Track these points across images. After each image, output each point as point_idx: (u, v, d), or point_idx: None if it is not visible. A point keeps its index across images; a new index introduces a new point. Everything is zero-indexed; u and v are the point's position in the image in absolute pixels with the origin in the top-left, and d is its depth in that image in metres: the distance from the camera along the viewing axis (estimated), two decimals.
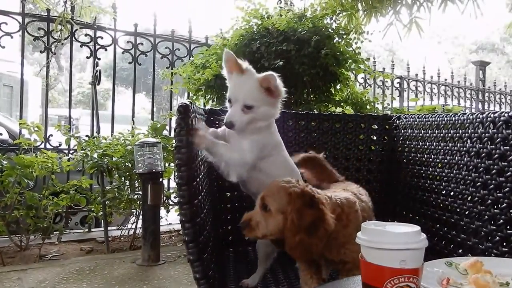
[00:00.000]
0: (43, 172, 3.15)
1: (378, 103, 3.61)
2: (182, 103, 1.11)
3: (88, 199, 3.47)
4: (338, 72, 3.28)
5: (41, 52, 3.60)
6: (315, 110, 3.45)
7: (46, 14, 3.55)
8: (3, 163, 3.07)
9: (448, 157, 1.50)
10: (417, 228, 0.63)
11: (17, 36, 3.50)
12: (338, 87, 3.51)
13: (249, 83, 1.26)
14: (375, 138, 1.92)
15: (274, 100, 1.30)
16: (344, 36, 3.43)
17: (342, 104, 3.48)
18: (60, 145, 3.64)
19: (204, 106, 3.86)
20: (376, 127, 1.93)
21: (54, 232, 3.25)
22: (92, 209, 3.52)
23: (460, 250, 1.38)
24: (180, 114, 1.07)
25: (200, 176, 1.24)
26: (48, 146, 3.59)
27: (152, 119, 4.07)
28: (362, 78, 5.26)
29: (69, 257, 3.14)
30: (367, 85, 5.31)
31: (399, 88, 5.74)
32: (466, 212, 1.39)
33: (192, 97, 3.62)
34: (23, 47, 3.53)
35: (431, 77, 6.24)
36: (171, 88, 3.94)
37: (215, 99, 3.54)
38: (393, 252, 0.59)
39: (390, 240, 0.60)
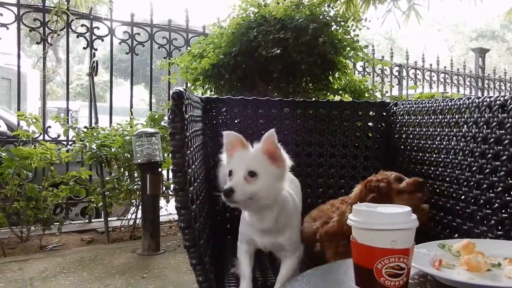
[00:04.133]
0: (42, 163, 3.15)
1: (376, 91, 3.60)
2: (176, 89, 1.10)
3: (88, 190, 3.48)
4: (336, 60, 3.27)
5: (37, 43, 3.58)
6: (313, 98, 3.46)
7: (42, 4, 3.53)
8: (2, 155, 3.07)
9: (444, 142, 1.50)
10: (407, 208, 0.63)
11: (14, 29, 3.48)
12: (336, 75, 3.49)
13: (252, 151, 1.17)
14: (372, 125, 1.92)
15: (278, 170, 1.16)
16: (342, 24, 3.40)
17: (340, 92, 3.48)
18: (58, 136, 3.64)
19: (202, 95, 3.87)
20: (373, 114, 1.93)
21: (55, 223, 3.27)
22: (92, 200, 3.54)
23: (456, 235, 1.39)
24: (174, 100, 1.06)
25: (196, 163, 1.25)
26: (46, 137, 3.59)
27: (151, 109, 4.06)
28: (361, 66, 5.24)
29: (70, 247, 3.16)
30: (366, 73, 5.29)
31: (398, 76, 5.72)
32: (462, 197, 1.39)
33: (190, 87, 3.61)
34: (19, 39, 3.51)
35: (430, 65, 6.21)
36: (169, 79, 3.93)
37: (213, 89, 3.53)
38: (383, 233, 0.59)
39: (381, 221, 0.60)
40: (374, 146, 1.91)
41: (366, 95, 3.42)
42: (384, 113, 1.91)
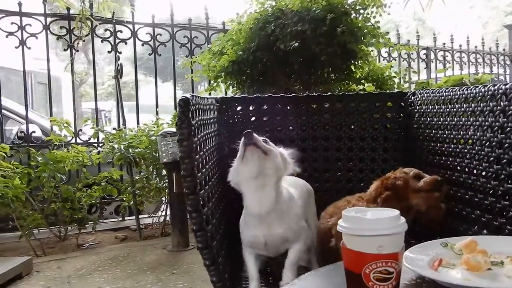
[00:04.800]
0: (74, 166, 3.29)
1: (400, 78, 3.52)
2: (182, 96, 1.13)
3: (119, 189, 3.60)
4: (357, 49, 3.21)
5: (64, 50, 3.72)
6: (336, 89, 3.43)
7: (67, 13, 3.65)
8: (38, 160, 3.24)
9: (461, 132, 1.45)
10: (396, 213, 0.63)
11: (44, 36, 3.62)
12: (358, 64, 3.44)
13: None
14: (390, 116, 1.89)
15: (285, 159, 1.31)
16: (362, 11, 3.34)
17: (362, 81, 3.43)
18: (89, 139, 3.78)
19: (225, 92, 3.90)
20: (391, 104, 1.90)
21: (89, 222, 3.41)
22: (124, 198, 3.67)
23: (476, 227, 1.35)
24: (181, 107, 1.09)
25: (208, 166, 1.28)
26: (78, 140, 3.74)
27: (176, 109, 4.14)
28: (386, 52, 5.12)
29: (104, 245, 3.30)
30: (391, 59, 5.17)
31: (425, 60, 5.55)
32: (480, 188, 1.35)
33: (213, 84, 3.65)
34: (48, 47, 3.66)
35: (460, 46, 5.98)
36: (192, 77, 3.98)
37: (234, 85, 3.56)
38: (370, 238, 0.60)
39: (367, 227, 0.60)
40: (392, 138, 1.87)
41: (390, 82, 3.36)
42: (402, 104, 1.88)
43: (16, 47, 3.52)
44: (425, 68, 5.57)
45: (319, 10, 3.05)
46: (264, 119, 1.91)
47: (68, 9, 3.65)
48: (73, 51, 3.69)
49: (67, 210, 3.29)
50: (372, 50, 4.34)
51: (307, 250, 1.32)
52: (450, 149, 1.52)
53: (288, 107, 1.91)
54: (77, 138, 3.73)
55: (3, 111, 3.85)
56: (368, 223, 0.61)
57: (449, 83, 3.93)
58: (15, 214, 2.97)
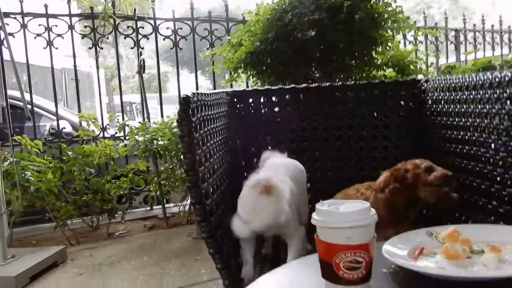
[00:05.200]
0: (102, 159, 3.44)
1: (426, 62, 3.43)
2: (184, 95, 1.18)
3: (146, 180, 3.73)
4: (377, 35, 3.16)
5: (89, 48, 3.85)
6: (357, 76, 3.39)
7: (90, 12, 3.78)
8: (69, 154, 3.40)
9: (477, 120, 1.40)
10: (366, 205, 0.66)
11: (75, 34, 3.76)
12: (379, 50, 3.38)
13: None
14: (403, 103, 1.88)
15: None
16: None
17: (384, 67, 3.37)
18: (116, 133, 3.92)
19: (247, 83, 3.93)
20: (403, 92, 1.88)
21: (118, 212, 3.57)
22: (151, 189, 3.80)
23: (492, 217, 1.31)
24: (181, 105, 1.14)
25: (213, 159, 1.33)
26: (106, 134, 3.89)
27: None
28: (412, 36, 4.98)
29: (133, 234, 3.44)
30: (418, 42, 5.03)
31: (454, 42, 5.36)
32: (497, 178, 1.31)
33: (234, 75, 3.69)
34: (73, 46, 3.80)
35: (492, 26, 5.73)
36: (213, 69, 4.04)
37: (254, 75, 3.58)
38: (338, 230, 0.63)
39: (336, 220, 0.63)
40: (405, 125, 1.86)
41: (412, 67, 3.28)
42: (416, 91, 1.86)
43: (44, 48, 3.68)
44: (454, 50, 5.39)
45: None
46: (275, 110, 1.94)
47: (91, 8, 3.77)
48: (98, 49, 3.81)
49: (98, 201, 3.46)
50: (396, 35, 4.26)
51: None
52: (466, 137, 1.47)
53: (299, 98, 1.93)
54: (105, 132, 3.88)
55: (36, 109, 4.05)
56: (336, 216, 0.64)
57: (477, 66, 3.81)
58: (49, 206, 3.15)
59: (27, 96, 3.75)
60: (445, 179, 1.26)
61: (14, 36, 3.64)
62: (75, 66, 3.94)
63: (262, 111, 1.94)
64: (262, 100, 1.93)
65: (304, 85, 2.00)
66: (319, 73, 3.55)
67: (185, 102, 1.15)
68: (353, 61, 3.46)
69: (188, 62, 3.84)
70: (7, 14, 3.60)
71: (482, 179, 1.36)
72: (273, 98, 1.93)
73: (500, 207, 1.24)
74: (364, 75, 3.38)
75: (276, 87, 1.97)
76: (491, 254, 0.70)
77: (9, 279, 2.31)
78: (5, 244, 2.53)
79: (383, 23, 3.21)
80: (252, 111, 1.93)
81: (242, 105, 1.92)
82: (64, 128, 3.85)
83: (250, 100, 1.93)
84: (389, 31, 3.27)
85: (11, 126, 3.63)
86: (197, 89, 4.37)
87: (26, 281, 2.39)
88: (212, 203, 1.23)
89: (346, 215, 0.64)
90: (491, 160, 1.33)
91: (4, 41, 2.93)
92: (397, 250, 0.76)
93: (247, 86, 3.99)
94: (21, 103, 3.80)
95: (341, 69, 3.45)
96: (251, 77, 3.66)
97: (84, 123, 3.79)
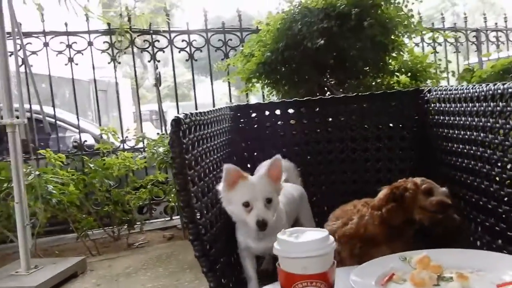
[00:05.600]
0: (122, 171, 3.55)
1: (436, 68, 3.37)
2: (175, 116, 1.22)
3: (165, 191, 3.82)
4: (387, 41, 3.13)
5: (108, 63, 3.98)
6: (369, 83, 3.37)
7: (108, 28, 3.91)
8: (91, 167, 3.53)
9: (481, 134, 1.33)
10: (323, 234, 0.67)
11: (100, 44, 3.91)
12: (392, 55, 3.35)
13: (259, 179, 1.26)
14: (406, 114, 1.86)
15: (278, 187, 1.28)
16: (392, 1, 3.24)
17: (397, 73, 3.34)
18: (135, 145, 4.03)
19: (263, 92, 3.96)
20: (407, 103, 1.86)
21: (138, 223, 3.66)
22: (170, 199, 3.88)
23: (500, 241, 1.25)
24: (172, 127, 1.18)
25: (207, 179, 1.35)
26: (126, 146, 4.00)
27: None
28: (429, 38, 4.89)
29: (152, 244, 3.53)
30: (436, 44, 4.93)
31: (475, 42, 5.22)
32: (505, 199, 1.26)
33: (248, 85, 3.74)
34: (93, 61, 3.94)
35: None
36: (228, 79, 4.09)
37: (269, 84, 3.61)
38: (294, 260, 0.65)
39: (292, 249, 0.65)
40: (409, 137, 1.84)
41: (426, 73, 3.23)
42: (419, 101, 1.84)
43: (66, 64, 3.83)
44: (475, 51, 5.25)
45: (343, 5, 3.01)
46: (279, 123, 1.96)
47: (108, 24, 3.91)
48: (115, 63, 3.94)
49: (119, 212, 3.57)
50: (413, 38, 4.20)
51: None
52: (472, 152, 1.40)
53: (302, 110, 1.94)
54: (124, 144, 3.99)
55: (60, 122, 4.22)
56: (292, 246, 0.66)
57: (497, 68, 3.69)
58: (70, 218, 3.27)
59: (50, 111, 3.92)
60: (441, 206, 1.24)
61: (37, 54, 3.81)
62: (94, 80, 4.09)
63: (266, 125, 1.96)
64: (265, 114, 1.96)
65: (306, 97, 2.00)
66: (333, 80, 3.55)
67: (176, 124, 1.19)
68: (367, 68, 3.45)
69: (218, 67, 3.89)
70: (30, 34, 3.79)
71: (489, 198, 1.28)
72: (277, 112, 1.95)
73: (509, 230, 1.20)
74: (376, 82, 3.36)
75: (279, 101, 2.00)
76: (457, 282, 0.70)
77: None
78: (28, 254, 2.65)
79: (394, 28, 3.18)
80: (256, 125, 1.95)
81: (245, 119, 1.95)
82: (86, 141, 3.99)
83: (254, 114, 1.96)
84: (400, 36, 3.23)
85: (37, 139, 3.80)
86: (213, 98, 4.44)
87: None
88: (206, 221, 1.26)
89: (301, 245, 0.65)
90: (497, 178, 1.27)
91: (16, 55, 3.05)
92: (364, 278, 0.76)
93: (263, 96, 4.02)
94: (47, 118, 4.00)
95: (354, 76, 3.44)
96: (265, 86, 3.70)
97: (104, 136, 3.91)
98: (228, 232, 1.44)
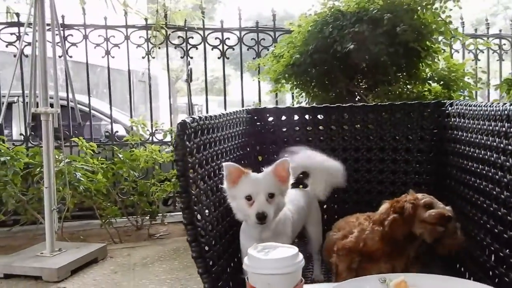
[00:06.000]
0: (148, 163, 3.65)
1: (471, 78, 3.23)
2: (182, 120, 1.25)
3: None
4: (420, 47, 3.04)
5: (142, 57, 4.09)
6: (399, 90, 3.29)
7: (145, 23, 4.02)
8: (120, 157, 3.65)
9: (502, 157, 1.24)
10: (292, 253, 0.67)
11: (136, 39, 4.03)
12: (425, 62, 3.24)
13: (264, 175, 1.28)
14: (426, 127, 1.81)
15: (285, 188, 1.28)
16: (429, 7, 3.14)
17: (429, 81, 3.23)
18: (163, 138, 4.13)
19: (292, 94, 3.93)
20: (427, 115, 1.81)
21: (159, 215, 3.75)
22: None
23: (505, 266, 1.21)
24: (177, 131, 1.21)
25: (211, 181, 1.37)
26: (154, 139, 4.11)
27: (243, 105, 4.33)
28: (469, 45, 4.70)
29: (172, 236, 3.61)
30: (478, 51, 4.73)
31: None
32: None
33: (278, 85, 3.74)
34: (128, 56, 4.06)
35: None
36: (259, 79, 4.11)
37: (298, 85, 3.60)
38: (260, 276, 0.65)
39: (257, 265, 0.65)
40: (427, 150, 1.79)
41: (459, 82, 3.11)
42: (440, 114, 1.78)
43: (103, 57, 3.97)
44: None
45: (376, 10, 2.95)
46: (296, 129, 1.96)
47: (145, 20, 4.01)
48: (150, 58, 4.04)
49: (143, 203, 3.67)
50: (452, 44, 4.05)
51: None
52: (490, 174, 1.31)
53: (319, 117, 1.93)
54: (153, 137, 4.09)
55: (94, 112, 4.38)
56: (259, 262, 0.66)
57: None
58: (95, 205, 3.40)
59: (85, 100, 4.08)
60: (441, 219, 1.20)
61: (77, 46, 3.97)
62: (129, 73, 4.19)
63: (282, 129, 1.96)
64: (282, 119, 1.96)
65: (324, 104, 1.99)
66: (364, 85, 3.49)
67: (181, 128, 1.21)
68: (399, 74, 3.37)
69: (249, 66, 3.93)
70: (71, 26, 3.95)
71: (505, 227, 1.20)
72: (294, 117, 1.95)
73: None
74: (407, 89, 3.27)
75: (296, 106, 2.00)
76: None
77: (52, 270, 2.54)
78: (53, 237, 2.79)
79: (429, 34, 3.08)
80: (272, 129, 1.96)
81: (261, 123, 1.96)
82: (117, 131, 4.13)
83: (270, 118, 1.97)
84: (436, 42, 3.12)
85: (72, 126, 3.97)
86: (242, 97, 4.47)
87: (67, 274, 2.62)
88: (206, 223, 1.28)
89: (267, 261, 0.66)
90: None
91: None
92: None
93: (292, 97, 4.00)
94: (82, 107, 4.18)
95: (385, 82, 3.36)
96: (294, 87, 3.69)
97: (135, 128, 4.03)
98: (230, 235, 1.46)
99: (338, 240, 1.37)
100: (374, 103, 1.85)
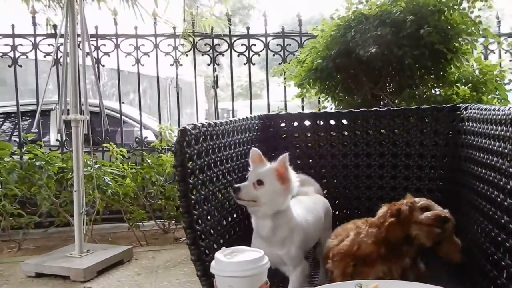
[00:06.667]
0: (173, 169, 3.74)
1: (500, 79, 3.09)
2: (182, 127, 1.29)
3: None
4: (447, 49, 2.94)
5: (170, 65, 4.21)
6: (427, 93, 3.20)
7: (173, 32, 4.14)
8: (148, 162, 3.77)
9: (506, 163, 1.18)
10: (255, 256, 0.68)
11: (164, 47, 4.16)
12: (452, 64, 3.14)
13: (265, 166, 1.34)
14: (440, 132, 1.76)
15: (283, 188, 1.29)
16: (456, 7, 3.04)
17: (457, 84, 3.12)
18: None
19: (319, 99, 3.91)
20: (441, 119, 1.76)
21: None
22: None
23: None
24: (178, 137, 1.25)
25: (213, 186, 1.40)
26: None
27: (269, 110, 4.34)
28: (509, 44, 4.49)
29: None
30: None
31: None
32: None
33: (303, 90, 3.73)
34: (157, 63, 4.19)
35: None
36: (284, 83, 4.12)
37: (323, 90, 3.58)
38: (223, 279, 0.67)
39: (221, 268, 0.67)
40: (440, 156, 1.74)
41: (489, 85, 2.98)
42: (454, 119, 1.72)
43: (133, 65, 4.12)
44: None
45: (398, 12, 2.89)
46: (307, 135, 1.96)
47: (174, 28, 4.13)
48: (178, 65, 4.16)
49: (170, 207, 3.77)
50: (484, 44, 3.90)
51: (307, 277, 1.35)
52: (498, 182, 1.23)
53: (331, 122, 1.92)
54: None
55: (126, 118, 4.55)
56: (222, 265, 0.68)
57: None
58: (123, 208, 3.52)
59: (112, 105, 4.24)
60: (437, 220, 1.18)
61: (109, 55, 4.15)
62: (157, 80, 4.32)
63: (294, 135, 1.97)
64: (294, 124, 1.96)
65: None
66: (391, 89, 3.43)
67: (181, 134, 1.25)
68: (426, 76, 3.28)
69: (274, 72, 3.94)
70: (103, 36, 4.13)
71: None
72: (306, 123, 1.95)
73: None
74: (434, 92, 3.18)
75: (308, 112, 1.99)
76: None
77: (79, 271, 2.66)
78: (81, 239, 2.92)
79: (457, 35, 2.99)
80: (284, 135, 1.97)
81: (273, 129, 1.97)
82: (147, 137, 4.26)
83: (283, 124, 1.98)
84: (463, 43, 3.02)
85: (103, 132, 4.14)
86: (268, 102, 4.50)
87: (93, 274, 2.73)
88: (206, 228, 1.31)
89: (229, 264, 0.67)
90: None
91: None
92: None
93: (319, 102, 3.99)
94: (113, 113, 4.35)
95: (412, 85, 3.28)
96: (320, 92, 3.67)
97: (163, 134, 4.15)
98: (233, 239, 1.48)
99: (335, 247, 1.37)
100: (387, 108, 1.81)
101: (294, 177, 1.33)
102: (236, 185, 1.29)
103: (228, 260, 0.68)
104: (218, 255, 0.70)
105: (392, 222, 1.24)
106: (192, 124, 1.33)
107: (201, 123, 1.37)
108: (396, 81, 3.34)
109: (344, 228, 1.41)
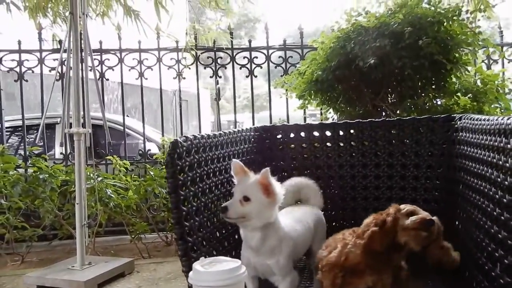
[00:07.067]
0: None
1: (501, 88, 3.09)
2: (174, 139, 1.30)
3: None
4: (446, 60, 2.95)
5: (173, 78, 4.26)
6: (427, 104, 3.20)
7: (176, 46, 4.19)
8: (151, 174, 3.79)
9: (501, 175, 1.16)
10: (233, 266, 0.69)
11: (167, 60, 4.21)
12: (451, 75, 3.14)
13: (250, 179, 1.32)
14: (435, 142, 1.76)
15: (270, 201, 1.29)
16: (455, 18, 3.05)
17: (458, 94, 3.12)
18: None
19: (321, 109, 3.93)
20: (436, 130, 1.76)
21: None
22: None
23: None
24: (169, 149, 1.27)
25: (205, 197, 1.41)
26: None
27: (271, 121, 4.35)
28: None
29: None
30: None
31: None
32: None
33: (304, 101, 3.75)
34: (160, 77, 4.24)
35: None
36: (286, 95, 4.14)
37: (324, 101, 3.60)
38: None
39: (198, 278, 0.68)
40: (437, 166, 1.74)
41: (489, 95, 2.98)
42: (449, 129, 1.72)
43: (136, 79, 4.17)
44: None
45: (397, 24, 2.91)
46: (303, 146, 1.97)
47: (176, 42, 4.19)
48: (181, 78, 4.20)
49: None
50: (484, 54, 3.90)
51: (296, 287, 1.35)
52: (497, 196, 1.20)
53: (327, 133, 1.93)
54: None
55: (129, 131, 4.59)
56: (199, 275, 0.69)
57: None
58: (125, 221, 3.53)
59: (118, 118, 4.28)
60: (422, 223, 1.19)
61: (113, 70, 4.21)
62: (161, 93, 4.37)
63: (291, 146, 1.98)
64: (290, 136, 1.98)
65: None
66: (392, 99, 3.44)
67: (172, 147, 1.27)
68: (427, 87, 3.28)
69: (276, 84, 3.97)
70: (107, 51, 4.20)
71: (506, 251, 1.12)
72: (302, 134, 1.96)
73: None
74: (435, 102, 3.18)
75: (304, 123, 2.01)
76: None
77: (80, 283, 2.66)
78: (83, 251, 2.92)
79: (456, 46, 2.99)
80: (280, 146, 1.99)
81: (269, 140, 1.99)
82: (150, 150, 4.29)
83: (279, 136, 1.99)
84: (463, 54, 3.02)
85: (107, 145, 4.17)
86: (270, 111, 4.51)
87: (94, 287, 2.72)
88: (198, 239, 1.32)
89: (206, 274, 0.68)
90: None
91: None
92: None
93: (321, 113, 4.00)
94: (116, 125, 4.40)
95: (413, 95, 3.28)
96: (321, 104, 3.68)
97: (166, 146, 4.17)
98: (226, 250, 1.49)
99: (324, 258, 1.37)
100: (383, 119, 1.81)
101: (279, 188, 1.33)
102: (223, 205, 1.28)
103: (205, 270, 0.69)
104: (195, 265, 0.71)
105: (374, 231, 1.25)
106: (184, 136, 1.35)
107: (193, 135, 1.39)
108: (397, 91, 3.35)
109: (335, 239, 1.41)
